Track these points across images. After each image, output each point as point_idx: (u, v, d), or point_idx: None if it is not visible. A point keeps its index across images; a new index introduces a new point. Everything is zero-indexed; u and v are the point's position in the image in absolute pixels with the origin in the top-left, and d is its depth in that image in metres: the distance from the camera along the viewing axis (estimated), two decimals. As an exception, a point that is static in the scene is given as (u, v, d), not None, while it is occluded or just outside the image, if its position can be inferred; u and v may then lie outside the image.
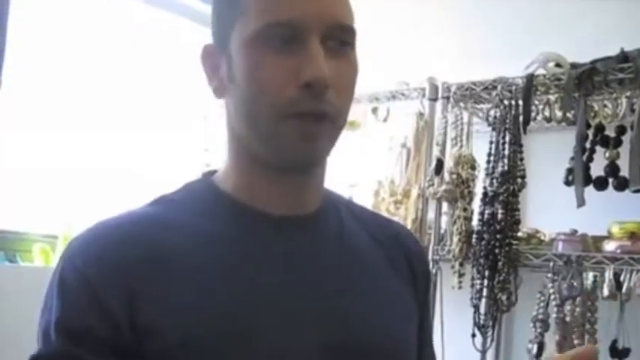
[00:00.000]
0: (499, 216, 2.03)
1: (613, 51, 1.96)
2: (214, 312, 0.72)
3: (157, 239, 0.75)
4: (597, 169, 1.97)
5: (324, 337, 0.76)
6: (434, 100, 2.28)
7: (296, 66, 0.73)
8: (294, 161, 0.78)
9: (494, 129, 2.10)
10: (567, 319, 1.90)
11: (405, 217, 2.25)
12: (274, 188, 0.80)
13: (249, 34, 0.75)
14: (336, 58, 0.76)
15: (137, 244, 0.74)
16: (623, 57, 1.92)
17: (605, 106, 2.02)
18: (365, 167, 2.44)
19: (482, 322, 2.07)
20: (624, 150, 1.92)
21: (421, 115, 2.30)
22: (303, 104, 0.74)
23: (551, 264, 1.95)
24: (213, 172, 0.86)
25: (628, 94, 1.98)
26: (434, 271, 2.16)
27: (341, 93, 0.77)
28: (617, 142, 1.96)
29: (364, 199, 2.28)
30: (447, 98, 2.24)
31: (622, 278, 1.85)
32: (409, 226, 2.21)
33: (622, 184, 1.91)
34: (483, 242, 2.05)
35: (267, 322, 0.74)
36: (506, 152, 2.05)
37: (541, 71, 2.06)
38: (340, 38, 0.76)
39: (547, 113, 2.13)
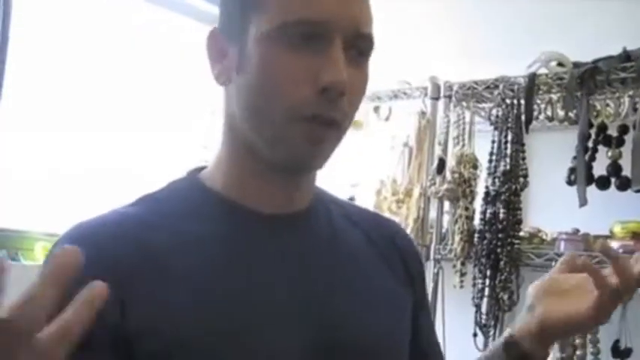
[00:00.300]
0: (501, 215, 2.02)
1: (614, 51, 1.95)
2: (211, 312, 0.71)
3: (142, 239, 0.73)
4: (599, 168, 1.97)
5: (320, 336, 0.75)
6: (436, 99, 2.28)
7: (315, 67, 0.72)
8: (298, 162, 0.77)
9: (496, 128, 2.10)
10: (569, 318, 1.89)
11: (406, 216, 2.24)
12: (267, 186, 0.79)
13: (269, 28, 0.73)
14: (353, 67, 0.74)
15: (126, 243, 0.72)
16: (626, 56, 1.92)
17: (607, 105, 2.02)
18: (367, 166, 2.44)
19: (483, 321, 2.07)
20: (626, 149, 1.92)
21: (423, 114, 2.30)
22: (316, 107, 0.73)
23: (553, 263, 1.95)
24: (199, 170, 0.85)
25: (630, 93, 1.97)
26: (435, 270, 2.16)
27: (352, 101, 0.76)
28: (620, 142, 1.95)
29: (366, 198, 2.29)
30: (449, 97, 2.23)
31: (624, 278, 1.85)
32: (411, 225, 2.21)
33: (624, 184, 1.91)
34: (485, 241, 2.05)
35: (264, 321, 0.73)
36: (509, 151, 2.05)
37: (543, 70, 2.05)
38: (360, 47, 0.75)
39: (549, 112, 2.12)
